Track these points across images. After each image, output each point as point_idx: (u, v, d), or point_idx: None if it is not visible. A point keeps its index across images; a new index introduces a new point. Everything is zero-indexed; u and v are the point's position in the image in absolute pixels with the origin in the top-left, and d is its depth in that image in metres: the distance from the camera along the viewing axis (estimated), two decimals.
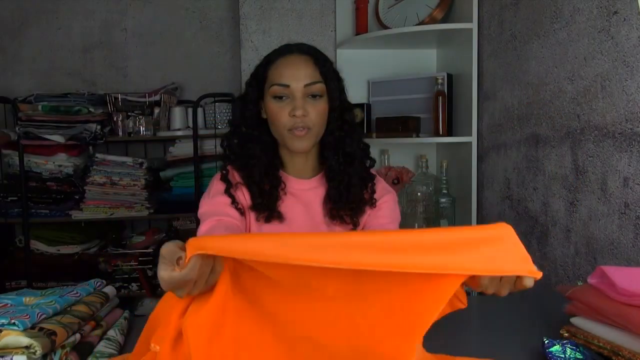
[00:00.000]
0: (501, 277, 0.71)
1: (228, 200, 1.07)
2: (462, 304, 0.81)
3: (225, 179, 1.09)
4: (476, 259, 0.68)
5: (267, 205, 1.08)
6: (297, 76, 1.04)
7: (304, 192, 1.13)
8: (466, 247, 0.68)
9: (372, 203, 1.14)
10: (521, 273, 0.69)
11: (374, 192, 1.14)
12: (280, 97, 1.05)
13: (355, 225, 1.13)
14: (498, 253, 0.68)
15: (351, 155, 1.10)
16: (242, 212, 1.08)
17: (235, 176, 1.11)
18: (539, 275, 0.70)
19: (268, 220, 1.09)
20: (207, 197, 1.10)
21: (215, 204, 1.07)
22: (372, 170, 1.17)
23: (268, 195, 1.08)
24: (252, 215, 1.10)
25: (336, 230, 1.13)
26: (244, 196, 1.10)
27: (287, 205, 1.11)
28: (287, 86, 1.04)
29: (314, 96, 1.05)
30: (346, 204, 1.10)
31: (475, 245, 0.68)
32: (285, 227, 1.11)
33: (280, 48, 1.10)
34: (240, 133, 1.11)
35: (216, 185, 1.10)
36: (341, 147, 1.10)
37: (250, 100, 1.10)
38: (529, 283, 0.70)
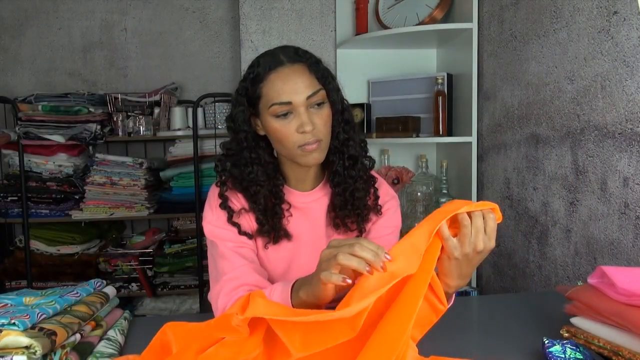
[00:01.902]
0: (471, 233, 0.77)
1: (235, 228, 1.03)
2: (443, 305, 0.83)
3: (225, 206, 1.03)
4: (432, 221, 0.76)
5: (273, 227, 1.04)
6: (297, 90, 0.97)
7: (308, 205, 1.09)
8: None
9: (377, 210, 1.10)
10: (477, 208, 0.77)
11: (377, 197, 1.11)
12: (284, 115, 0.98)
13: (360, 232, 1.10)
14: (448, 207, 0.78)
15: (354, 157, 1.07)
16: (250, 236, 1.04)
17: (239, 196, 1.06)
18: (493, 205, 0.78)
19: (276, 241, 1.06)
20: (211, 213, 1.04)
21: (222, 225, 1.03)
22: (373, 172, 1.13)
23: (272, 216, 1.04)
24: (259, 240, 1.06)
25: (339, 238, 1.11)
26: (249, 219, 1.05)
27: (293, 223, 1.08)
28: (289, 103, 0.97)
29: (317, 105, 0.99)
30: (352, 211, 1.07)
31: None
32: (293, 245, 1.08)
33: (266, 60, 1.00)
34: (236, 157, 1.04)
35: (218, 210, 1.04)
36: (345, 150, 1.06)
37: (243, 121, 1.02)
38: (492, 223, 0.77)
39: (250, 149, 1.04)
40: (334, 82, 1.04)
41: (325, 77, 1.01)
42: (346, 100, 1.08)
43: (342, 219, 1.08)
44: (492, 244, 0.78)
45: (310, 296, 0.81)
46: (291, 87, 0.97)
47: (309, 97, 0.98)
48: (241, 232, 1.03)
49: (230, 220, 1.03)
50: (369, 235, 1.11)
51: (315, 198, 1.10)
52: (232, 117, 1.04)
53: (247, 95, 1.02)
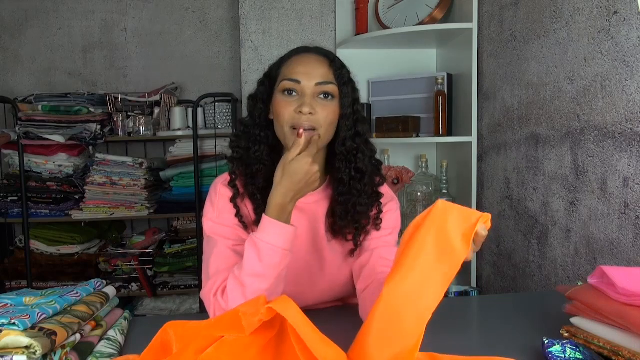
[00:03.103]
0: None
1: (234, 211, 1.03)
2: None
3: (233, 184, 1.05)
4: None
5: None
6: (310, 73, 1.00)
7: (308, 205, 1.09)
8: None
9: (377, 224, 1.09)
10: (472, 232, 0.74)
11: (380, 211, 1.10)
12: (290, 93, 1.01)
13: (356, 246, 1.09)
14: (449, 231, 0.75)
15: (362, 171, 1.06)
16: (245, 226, 1.04)
17: (239, 185, 1.06)
18: (488, 215, 0.76)
19: None
20: (212, 210, 1.05)
21: (223, 222, 1.03)
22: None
23: None
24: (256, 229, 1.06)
25: (335, 248, 1.10)
26: (247, 209, 1.06)
27: (292, 220, 1.06)
28: (298, 82, 1.00)
29: (325, 96, 1.01)
30: (351, 222, 1.07)
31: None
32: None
33: (298, 48, 1.08)
34: (247, 133, 1.07)
35: (222, 193, 1.05)
36: (353, 160, 1.05)
37: (261, 99, 1.06)
38: (484, 233, 0.75)
39: (261, 127, 1.06)
40: (353, 91, 1.05)
41: (342, 79, 1.03)
42: (363, 115, 1.07)
43: (341, 228, 1.08)
44: (484, 232, 0.77)
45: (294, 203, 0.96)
46: (305, 69, 1.01)
47: (318, 84, 1.00)
48: (237, 215, 1.03)
49: (233, 199, 1.04)
50: (368, 236, 1.10)
51: (315, 200, 1.10)
52: (253, 95, 1.08)
53: (270, 75, 1.07)
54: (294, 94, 1.01)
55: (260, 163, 1.04)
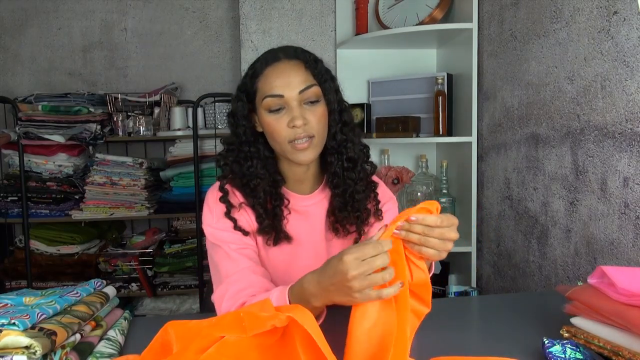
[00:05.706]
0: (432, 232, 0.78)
1: (232, 223, 1.02)
2: (427, 307, 0.83)
3: (225, 200, 1.04)
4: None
5: (273, 226, 1.03)
6: (290, 84, 0.98)
7: (307, 208, 1.09)
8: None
9: (378, 215, 1.10)
10: (421, 208, 0.79)
11: (378, 202, 1.10)
12: (277, 110, 0.99)
13: (360, 235, 1.09)
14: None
15: (354, 160, 1.06)
16: (245, 232, 1.03)
17: (237, 195, 1.05)
18: (435, 204, 0.80)
19: (276, 242, 1.05)
20: (211, 216, 1.04)
21: (223, 228, 1.02)
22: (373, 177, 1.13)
23: (272, 216, 1.03)
24: (259, 239, 1.06)
25: (337, 244, 1.10)
26: (248, 217, 1.05)
27: (292, 224, 1.07)
28: (281, 96, 0.98)
29: (311, 102, 1.00)
30: (351, 213, 1.07)
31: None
32: (293, 248, 1.08)
33: (265, 56, 1.03)
34: (235, 151, 1.05)
35: (218, 204, 1.04)
36: (344, 151, 1.05)
37: (242, 116, 1.04)
38: (449, 220, 0.79)
39: (249, 143, 1.04)
40: (333, 82, 1.04)
41: (322, 76, 1.02)
42: (346, 103, 1.08)
43: (342, 222, 1.08)
44: (455, 221, 0.80)
45: (322, 304, 0.85)
46: (284, 80, 0.98)
47: (301, 92, 0.98)
48: (236, 227, 1.02)
49: (228, 214, 1.02)
50: (367, 237, 1.10)
51: (315, 201, 1.10)
52: (232, 113, 1.06)
53: (246, 90, 1.04)
54: (280, 110, 0.99)
55: (257, 177, 1.03)
